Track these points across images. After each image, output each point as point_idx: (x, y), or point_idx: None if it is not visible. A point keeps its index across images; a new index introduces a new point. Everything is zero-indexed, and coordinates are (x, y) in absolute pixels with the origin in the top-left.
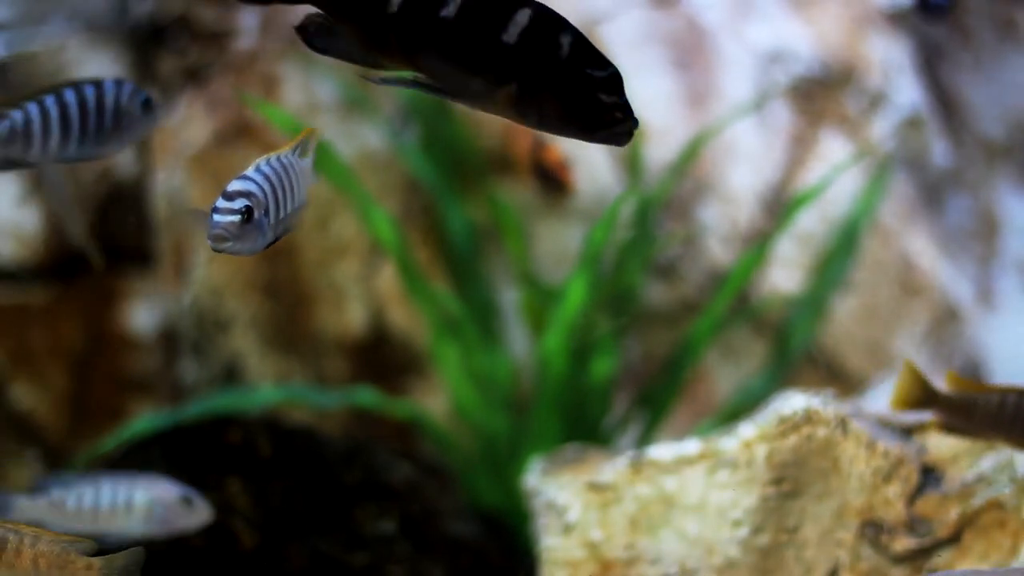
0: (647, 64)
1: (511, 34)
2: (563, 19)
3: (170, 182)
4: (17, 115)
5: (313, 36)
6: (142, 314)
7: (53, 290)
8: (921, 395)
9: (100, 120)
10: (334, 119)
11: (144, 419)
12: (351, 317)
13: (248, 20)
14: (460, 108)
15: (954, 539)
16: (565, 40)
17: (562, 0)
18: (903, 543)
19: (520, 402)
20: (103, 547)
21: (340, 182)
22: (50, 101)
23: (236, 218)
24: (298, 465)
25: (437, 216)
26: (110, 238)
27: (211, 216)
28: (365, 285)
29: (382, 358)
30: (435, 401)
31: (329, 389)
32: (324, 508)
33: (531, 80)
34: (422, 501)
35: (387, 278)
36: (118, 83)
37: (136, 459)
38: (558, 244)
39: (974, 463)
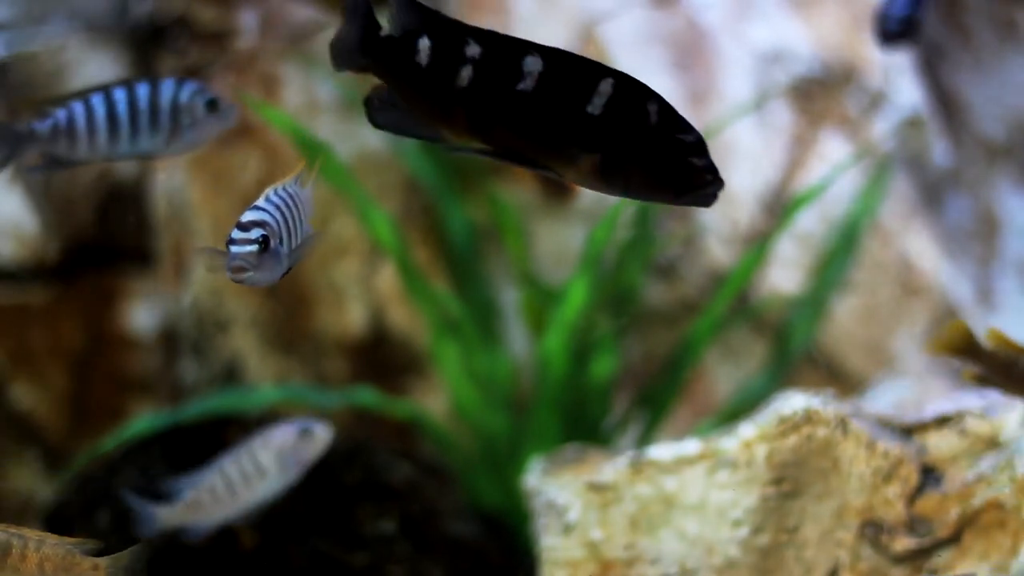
0: (647, 64)
1: (596, 105)
2: (645, 85)
3: (170, 182)
4: (61, 114)
5: (377, 111)
6: (142, 314)
7: (53, 290)
8: (965, 345)
9: (154, 119)
10: (334, 119)
11: (144, 419)
12: (351, 317)
13: (248, 20)
14: None
15: (954, 539)
16: (652, 108)
17: (562, 0)
18: (903, 543)
19: (520, 402)
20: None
21: (339, 182)
22: (97, 99)
23: (254, 248)
24: None
25: (437, 216)
26: (110, 238)
27: (229, 248)
28: (365, 285)
29: (382, 358)
30: (435, 401)
31: (329, 389)
32: (324, 508)
33: (619, 149)
34: (422, 501)
35: (387, 278)
36: (178, 82)
37: (136, 459)
38: (558, 244)
39: (974, 463)
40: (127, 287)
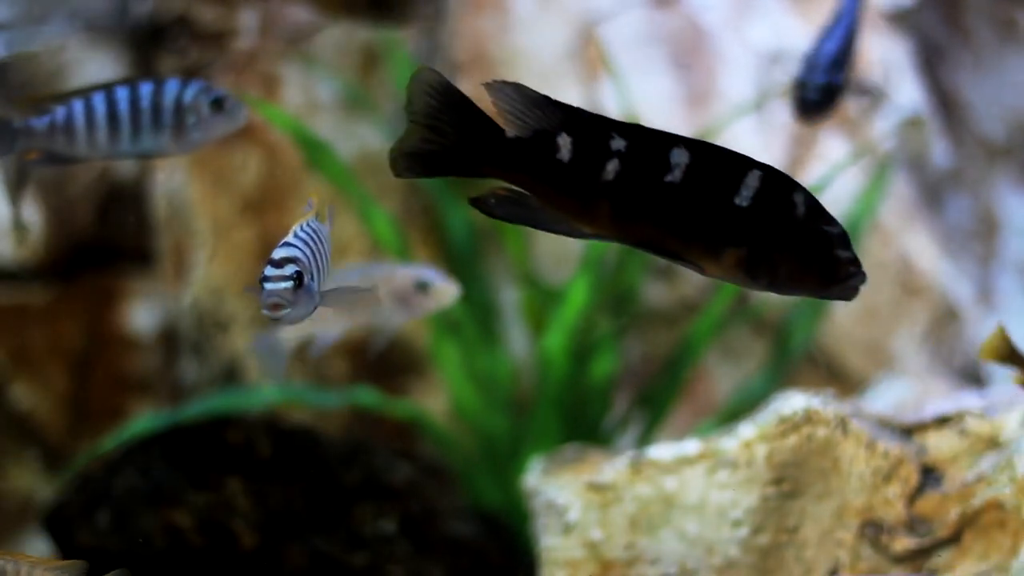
0: (647, 64)
1: (744, 197)
2: (790, 177)
3: (170, 182)
4: (60, 111)
5: (496, 207)
6: (142, 314)
7: (53, 290)
8: (1008, 353)
9: (157, 118)
10: (334, 119)
11: (144, 419)
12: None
13: (248, 20)
14: None
15: (954, 539)
16: (799, 199)
17: (562, 0)
18: (903, 543)
19: (520, 402)
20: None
21: (340, 182)
22: (98, 98)
23: (289, 284)
24: (298, 465)
25: (437, 216)
26: (110, 238)
27: (263, 285)
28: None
29: (382, 358)
30: (435, 401)
31: (329, 389)
32: (324, 508)
33: (766, 242)
34: (422, 501)
35: None
36: (183, 81)
37: (136, 459)
38: (558, 244)
39: (974, 463)
40: (127, 287)
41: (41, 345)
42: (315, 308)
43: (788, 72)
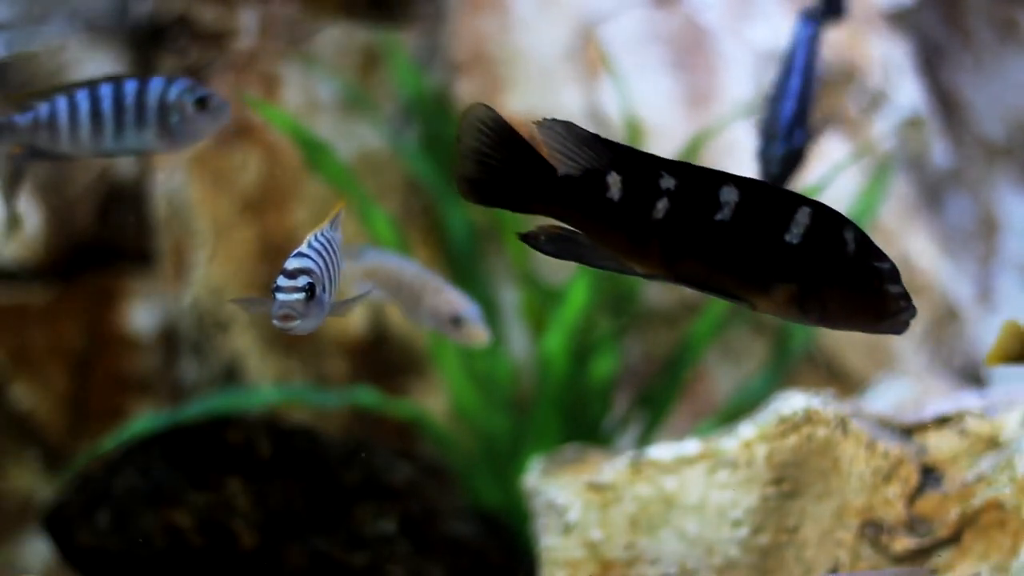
0: (647, 64)
1: (794, 234)
2: (840, 213)
3: (170, 182)
4: (44, 107)
5: (545, 244)
6: (142, 314)
7: (53, 290)
8: (1021, 349)
9: (140, 116)
10: (334, 119)
11: (144, 419)
12: (351, 317)
13: (248, 20)
14: (460, 108)
15: (954, 539)
16: (849, 236)
17: (562, 0)
18: (903, 543)
19: (520, 402)
20: None
21: (339, 182)
22: (82, 95)
23: (301, 296)
24: (298, 465)
25: (437, 216)
26: (110, 238)
27: (275, 296)
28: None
29: (382, 358)
30: (435, 401)
31: (329, 389)
32: (324, 508)
33: (817, 279)
34: (422, 501)
35: None
36: (168, 80)
37: (136, 459)
38: None
39: (974, 463)
40: (127, 287)
41: (41, 345)
42: (323, 318)
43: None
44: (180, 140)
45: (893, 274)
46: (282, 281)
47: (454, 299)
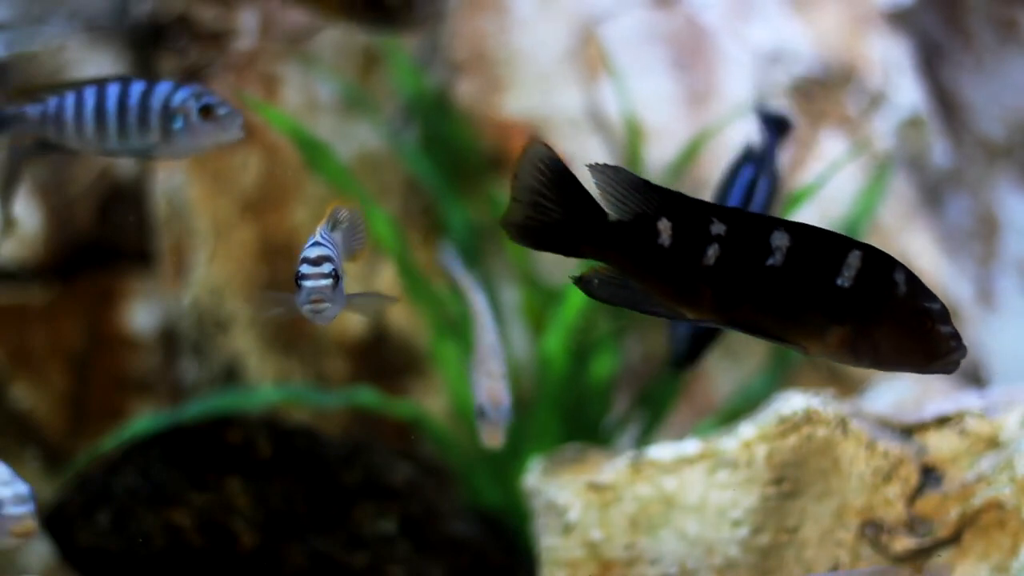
0: (647, 64)
1: (846, 277)
2: (889, 255)
3: (170, 182)
4: (53, 101)
5: (597, 288)
6: (142, 314)
7: (53, 290)
8: None
9: (143, 118)
10: (334, 119)
11: (144, 419)
12: (351, 317)
13: (248, 20)
14: (460, 107)
15: (954, 539)
16: (900, 277)
17: (562, 0)
18: (903, 543)
19: (520, 402)
20: None
21: (339, 183)
22: (89, 92)
23: (329, 282)
24: (298, 465)
25: (437, 216)
26: (110, 238)
27: (301, 283)
28: (365, 285)
29: (382, 358)
30: (435, 401)
31: (329, 389)
32: (324, 508)
33: (869, 320)
34: (422, 501)
35: (387, 278)
36: (176, 84)
37: (136, 459)
38: None
39: (974, 463)
40: (127, 287)
41: (41, 345)
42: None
43: (788, 72)
44: (182, 146)
45: (943, 314)
46: (307, 268)
47: (490, 390)
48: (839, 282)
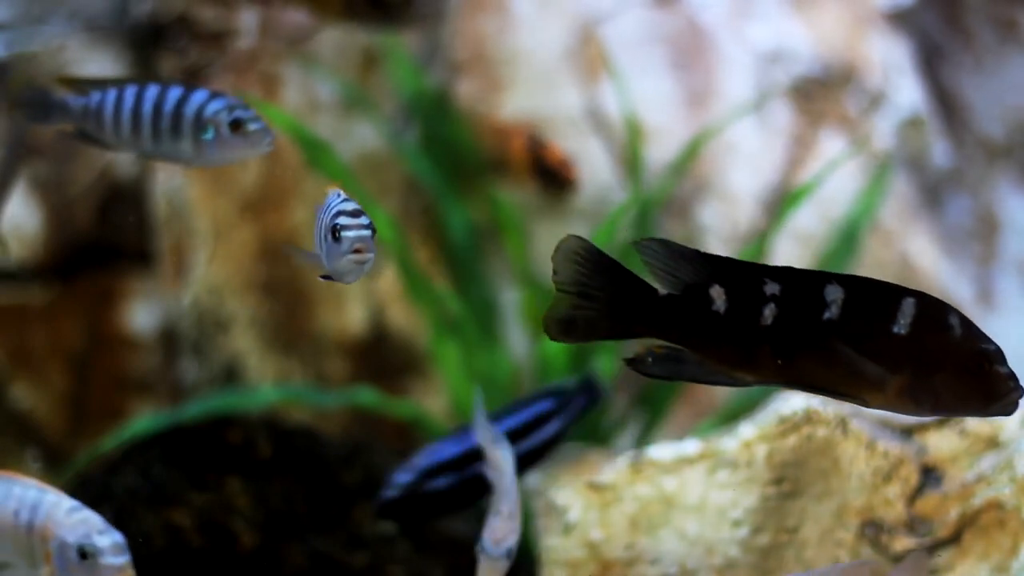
0: (647, 64)
1: (902, 324)
2: (941, 299)
3: (170, 182)
4: (95, 96)
5: (652, 367)
6: (142, 314)
7: (53, 290)
8: None
9: (176, 125)
10: (334, 119)
11: (144, 419)
12: (351, 317)
13: (248, 20)
14: (460, 107)
15: (954, 539)
16: (954, 321)
17: (562, 0)
18: (903, 543)
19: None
20: None
21: (339, 182)
22: (130, 91)
23: (369, 232)
24: (298, 465)
25: (437, 216)
26: (110, 238)
27: (342, 233)
28: (365, 285)
29: (382, 358)
30: (435, 401)
31: (329, 389)
32: (324, 508)
33: (928, 367)
34: None
35: (387, 278)
36: (212, 95)
37: (136, 459)
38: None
39: (974, 463)
40: (127, 287)
41: (41, 345)
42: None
43: (788, 72)
44: (211, 157)
45: (999, 355)
46: (346, 220)
47: (496, 529)
48: (895, 330)
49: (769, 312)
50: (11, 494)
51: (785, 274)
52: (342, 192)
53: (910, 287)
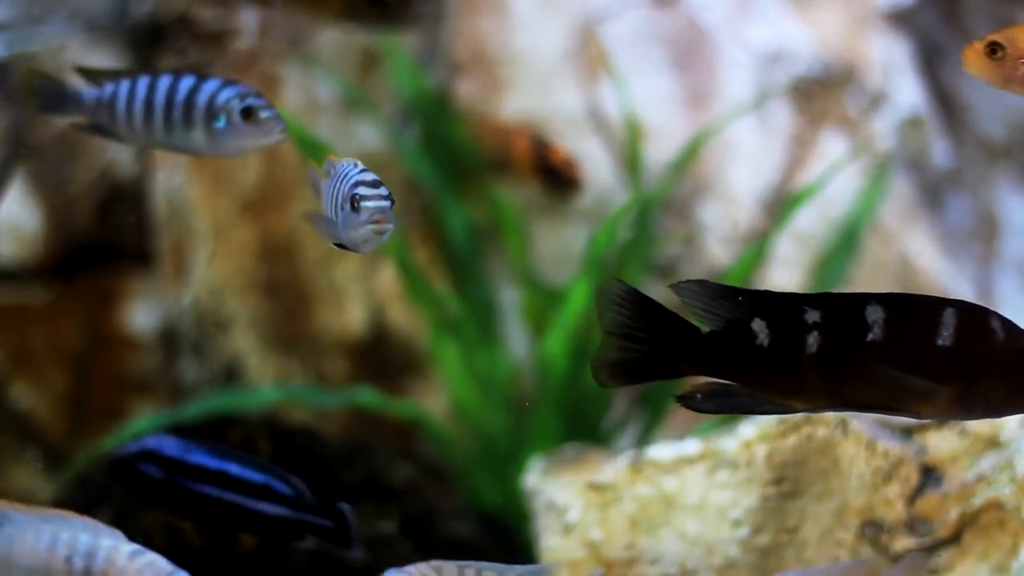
0: (647, 64)
1: (945, 336)
2: (979, 306)
3: (170, 182)
4: (109, 87)
5: (702, 403)
6: (142, 314)
7: (53, 290)
8: None
9: (188, 115)
10: (334, 119)
11: (144, 419)
12: (351, 317)
13: (248, 20)
14: (460, 107)
15: (954, 539)
16: (996, 325)
17: (562, 0)
18: (903, 543)
19: (520, 402)
20: None
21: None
22: (142, 82)
23: (389, 203)
24: (298, 465)
25: (437, 216)
26: (110, 238)
27: (362, 203)
28: (365, 285)
29: (382, 358)
30: (435, 401)
31: (329, 389)
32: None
33: (976, 374)
34: (422, 501)
35: (387, 278)
36: (224, 83)
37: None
38: (558, 244)
39: (974, 463)
40: (127, 287)
41: (41, 345)
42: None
43: (788, 72)
44: (223, 146)
45: None
46: (366, 190)
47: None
48: (940, 343)
49: (813, 340)
50: (60, 540)
51: (824, 301)
52: (359, 163)
53: (948, 298)
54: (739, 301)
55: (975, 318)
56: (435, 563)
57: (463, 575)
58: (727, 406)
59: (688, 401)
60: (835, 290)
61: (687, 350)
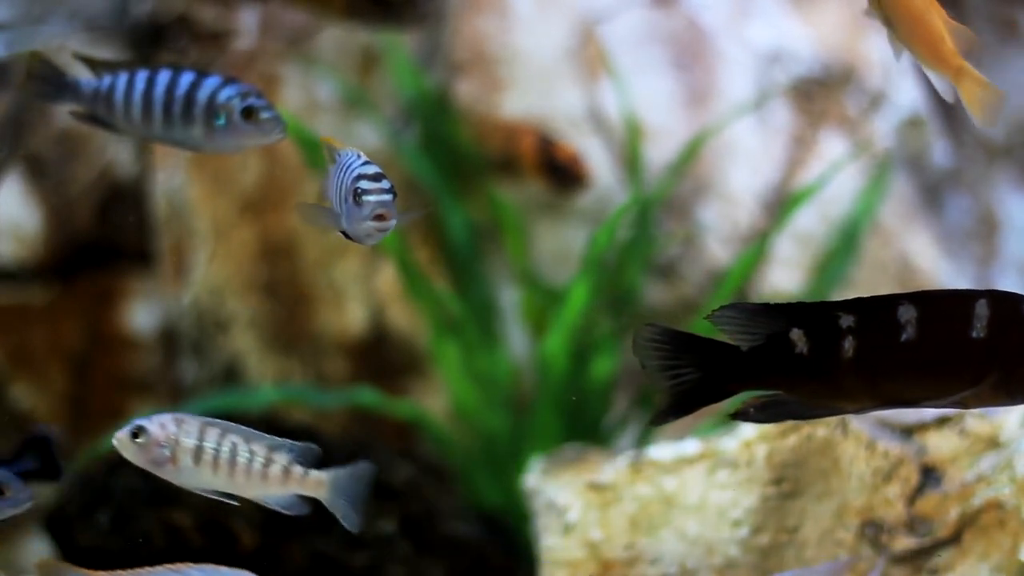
0: (647, 64)
1: (979, 328)
2: (1009, 293)
3: (170, 182)
4: (107, 79)
5: (756, 416)
6: (142, 314)
7: (53, 290)
8: None
9: (188, 110)
10: (334, 119)
11: None
12: (351, 317)
13: (248, 20)
14: (460, 107)
15: (954, 539)
16: None
17: (562, 0)
18: (903, 543)
19: (520, 402)
20: None
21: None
22: (141, 75)
23: (390, 197)
24: None
25: (437, 216)
26: (110, 238)
27: (364, 198)
28: (365, 285)
29: (382, 358)
30: (435, 401)
31: (329, 389)
32: (324, 508)
33: (1013, 359)
34: (422, 501)
35: (387, 278)
36: (225, 80)
37: None
38: (558, 244)
39: (974, 463)
40: (127, 287)
41: (41, 345)
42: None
43: (788, 72)
44: (222, 143)
45: None
46: (368, 184)
47: None
48: (975, 335)
49: (849, 344)
50: None
51: (856, 305)
52: (361, 153)
53: (978, 289)
54: (774, 316)
55: (1007, 307)
56: (178, 416)
57: (205, 432)
58: (780, 415)
59: (743, 416)
60: (835, 290)
61: (733, 371)
